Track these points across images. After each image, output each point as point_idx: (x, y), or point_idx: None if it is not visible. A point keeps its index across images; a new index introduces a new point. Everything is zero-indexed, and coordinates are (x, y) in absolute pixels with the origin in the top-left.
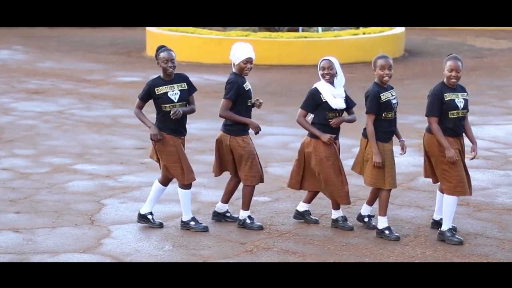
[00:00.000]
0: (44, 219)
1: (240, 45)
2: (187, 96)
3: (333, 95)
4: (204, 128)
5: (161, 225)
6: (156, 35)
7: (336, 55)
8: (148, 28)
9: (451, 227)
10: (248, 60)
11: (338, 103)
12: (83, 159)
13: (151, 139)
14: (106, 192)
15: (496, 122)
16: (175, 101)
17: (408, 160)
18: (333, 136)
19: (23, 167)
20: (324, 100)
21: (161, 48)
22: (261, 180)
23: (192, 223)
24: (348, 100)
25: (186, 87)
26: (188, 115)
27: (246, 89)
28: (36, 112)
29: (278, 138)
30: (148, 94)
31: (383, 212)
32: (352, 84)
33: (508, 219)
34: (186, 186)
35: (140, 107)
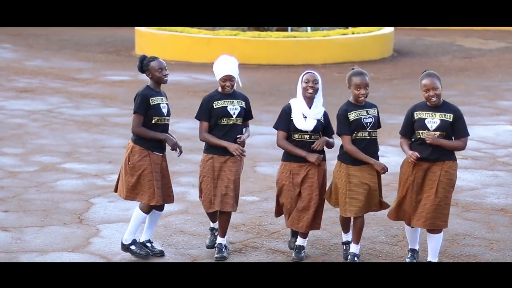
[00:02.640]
0: (32, 218)
1: (220, 61)
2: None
3: (304, 115)
4: (192, 128)
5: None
6: (145, 34)
7: (325, 55)
8: (136, 27)
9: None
10: (227, 78)
11: (305, 124)
12: (72, 158)
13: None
14: (95, 191)
15: (484, 123)
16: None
17: (396, 160)
18: (321, 156)
19: (12, 166)
20: (291, 118)
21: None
22: (209, 208)
23: (133, 247)
24: (325, 126)
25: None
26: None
27: (215, 107)
28: (25, 111)
29: (267, 138)
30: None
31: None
32: (341, 84)
33: (497, 219)
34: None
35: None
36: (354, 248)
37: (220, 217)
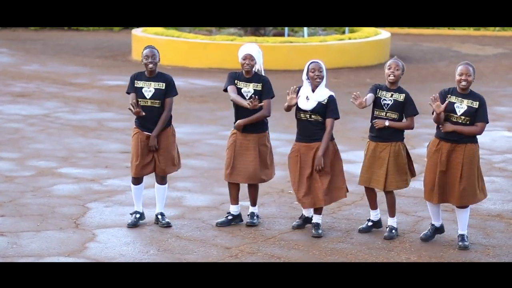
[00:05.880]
0: (28, 222)
1: (242, 46)
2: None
3: (307, 97)
4: (189, 133)
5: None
6: (141, 39)
7: (321, 60)
8: (133, 32)
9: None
10: (246, 56)
11: (306, 104)
12: (68, 162)
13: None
14: (91, 196)
15: None
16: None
17: None
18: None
19: (8, 170)
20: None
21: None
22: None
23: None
24: (327, 108)
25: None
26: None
27: (238, 86)
28: (21, 115)
29: None
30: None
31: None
32: (338, 89)
33: (493, 225)
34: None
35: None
36: (390, 221)
37: (249, 189)
